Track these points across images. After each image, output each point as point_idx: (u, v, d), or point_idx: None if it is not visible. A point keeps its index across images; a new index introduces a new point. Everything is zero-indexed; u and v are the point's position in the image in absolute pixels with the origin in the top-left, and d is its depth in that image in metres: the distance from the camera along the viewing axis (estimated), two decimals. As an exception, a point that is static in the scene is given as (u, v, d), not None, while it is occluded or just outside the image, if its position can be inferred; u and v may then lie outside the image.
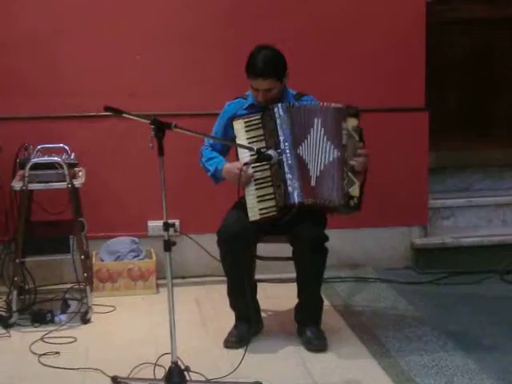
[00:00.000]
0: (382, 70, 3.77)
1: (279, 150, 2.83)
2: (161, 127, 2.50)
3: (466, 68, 4.25)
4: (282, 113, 2.85)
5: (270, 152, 2.83)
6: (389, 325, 3.18)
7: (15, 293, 3.16)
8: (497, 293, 3.59)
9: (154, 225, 3.68)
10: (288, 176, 2.81)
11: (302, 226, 2.84)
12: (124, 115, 2.54)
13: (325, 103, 2.88)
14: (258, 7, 3.67)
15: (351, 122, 2.82)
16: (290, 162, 2.83)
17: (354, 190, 2.81)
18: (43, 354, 2.88)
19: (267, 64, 2.84)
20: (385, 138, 3.82)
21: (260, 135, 2.87)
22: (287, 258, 3.00)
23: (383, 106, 3.80)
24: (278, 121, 2.84)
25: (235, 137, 2.89)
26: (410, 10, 3.75)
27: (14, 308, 3.16)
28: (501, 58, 4.28)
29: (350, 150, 2.82)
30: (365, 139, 2.88)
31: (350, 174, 2.81)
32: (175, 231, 3.48)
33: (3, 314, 3.20)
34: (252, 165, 2.84)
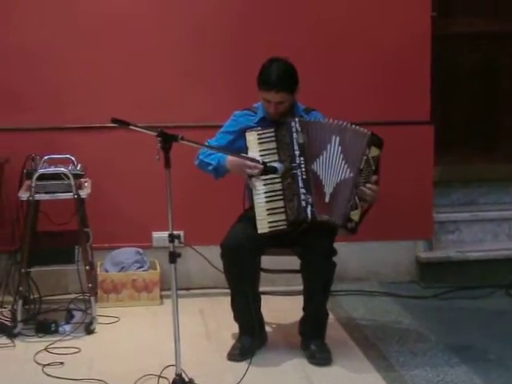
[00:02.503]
0: (386, 83, 3.78)
1: (294, 165, 2.83)
2: (167, 139, 2.51)
3: (470, 82, 4.26)
4: (298, 127, 2.85)
5: (276, 164, 2.83)
6: (393, 339, 3.17)
7: (20, 302, 3.17)
8: (502, 307, 3.58)
9: (159, 236, 3.68)
10: (302, 191, 2.81)
11: (312, 240, 2.84)
12: (131, 127, 2.56)
13: (344, 122, 2.88)
14: (264, 20, 3.69)
15: (373, 152, 2.84)
16: (304, 176, 2.82)
17: (355, 215, 2.82)
18: (47, 365, 2.88)
19: (280, 77, 2.85)
20: (390, 152, 3.77)
21: (273, 148, 2.87)
22: (292, 271, 3.00)
23: (388, 120, 3.80)
24: (295, 135, 2.84)
25: (246, 148, 2.89)
26: (415, 24, 3.76)
27: (19, 318, 3.16)
28: (505, 71, 4.29)
29: (363, 176, 2.83)
30: (380, 172, 2.88)
31: (356, 198, 2.81)
32: (180, 242, 3.48)
33: (8, 323, 3.21)
34: (262, 177, 2.84)
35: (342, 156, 2.84)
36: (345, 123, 2.88)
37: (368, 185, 2.82)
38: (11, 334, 3.14)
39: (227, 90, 3.64)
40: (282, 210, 2.84)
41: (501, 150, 4.32)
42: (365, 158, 2.82)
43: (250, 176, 2.85)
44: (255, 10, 3.69)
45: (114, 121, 2.53)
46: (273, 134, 2.88)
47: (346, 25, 3.74)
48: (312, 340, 2.95)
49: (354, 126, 2.87)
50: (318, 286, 2.90)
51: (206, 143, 3.00)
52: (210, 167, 2.96)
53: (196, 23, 3.68)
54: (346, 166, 2.83)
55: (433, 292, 3.74)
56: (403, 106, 3.82)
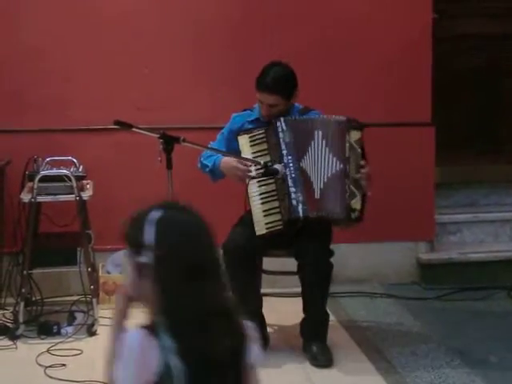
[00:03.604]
0: (388, 85, 3.78)
1: (283, 164, 2.84)
2: (169, 141, 2.52)
3: (471, 83, 4.26)
4: (284, 126, 2.86)
5: (277, 166, 2.84)
6: (395, 341, 3.17)
7: (22, 304, 3.16)
8: (504, 309, 3.57)
9: (161, 237, 3.68)
10: (292, 189, 2.82)
11: (308, 241, 2.84)
12: (133, 129, 2.57)
13: (326, 115, 2.89)
14: (265, 22, 3.69)
15: (354, 135, 2.83)
16: (293, 175, 2.83)
17: (356, 203, 2.82)
18: (49, 366, 2.88)
19: (276, 80, 2.86)
20: (391, 153, 3.83)
21: (264, 149, 2.89)
22: (293, 273, 3.00)
23: (389, 121, 3.80)
24: (281, 134, 2.85)
25: (239, 152, 2.90)
26: (416, 25, 3.77)
27: (21, 319, 3.16)
28: (507, 73, 4.29)
29: (352, 163, 2.83)
30: (366, 153, 2.88)
31: (351, 186, 2.81)
32: (181, 244, 3.48)
33: (10, 325, 3.21)
34: (258, 179, 2.85)
35: (327, 149, 2.84)
36: (326, 116, 2.88)
37: (362, 170, 2.81)
38: (13, 336, 3.14)
39: (229, 92, 3.65)
40: (277, 210, 2.85)
41: (502, 151, 4.32)
42: (347, 144, 2.81)
43: (252, 178, 2.86)
44: (257, 11, 3.69)
45: (117, 123, 2.54)
46: (263, 136, 2.89)
47: (347, 27, 3.74)
48: (313, 342, 2.95)
49: (333, 116, 2.87)
50: (315, 288, 2.91)
51: (209, 145, 3.01)
52: (207, 169, 2.98)
53: (197, 25, 3.68)
54: (334, 158, 2.83)
55: (434, 293, 3.73)
56: (404, 108, 3.82)
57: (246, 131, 2.91)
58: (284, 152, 2.84)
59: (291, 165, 2.84)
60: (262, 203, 2.86)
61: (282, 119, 2.86)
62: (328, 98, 3.56)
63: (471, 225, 4.06)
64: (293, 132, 2.86)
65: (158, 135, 2.53)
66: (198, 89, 3.70)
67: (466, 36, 4.17)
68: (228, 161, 2.88)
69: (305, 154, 2.85)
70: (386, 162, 3.80)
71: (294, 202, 2.81)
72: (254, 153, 2.87)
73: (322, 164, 2.84)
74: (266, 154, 2.88)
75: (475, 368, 2.88)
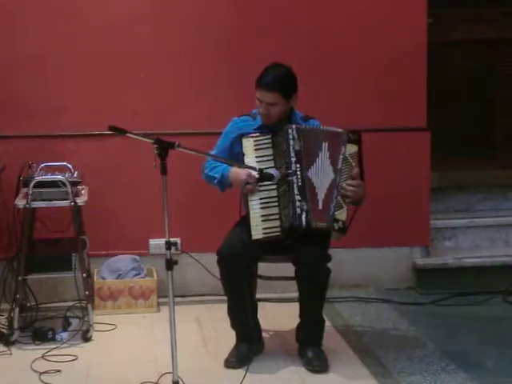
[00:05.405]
0: (383, 90, 3.79)
1: (290, 171, 2.84)
2: (164, 146, 2.51)
3: (467, 88, 4.27)
4: (295, 134, 2.86)
5: (272, 171, 2.84)
6: (390, 346, 3.17)
7: (17, 310, 3.16)
8: (499, 314, 3.58)
9: (156, 243, 3.68)
10: (297, 197, 2.82)
11: (305, 246, 2.84)
12: (128, 135, 2.56)
13: (328, 127, 2.90)
14: (260, 28, 3.71)
15: (350, 149, 2.85)
16: (299, 183, 2.83)
17: (341, 214, 2.83)
18: (44, 372, 2.87)
19: (276, 78, 2.86)
20: (386, 158, 3.84)
21: (269, 155, 2.88)
22: (288, 278, 3.00)
23: (384, 126, 3.81)
24: (291, 142, 2.85)
25: (243, 154, 2.89)
26: (411, 30, 3.78)
27: (16, 325, 3.16)
28: (502, 78, 4.31)
29: (344, 175, 2.84)
30: (364, 167, 2.89)
31: (339, 197, 2.82)
32: (176, 250, 3.48)
33: (4, 331, 3.20)
34: (257, 183, 2.84)
35: (329, 161, 2.85)
36: (332, 128, 2.89)
37: (348, 181, 2.83)
38: (8, 342, 3.13)
39: (224, 97, 3.65)
40: (277, 216, 2.85)
41: (497, 157, 4.34)
42: (341, 157, 2.83)
43: (247, 183, 2.85)
44: (252, 17, 3.70)
45: (112, 128, 2.54)
46: (269, 141, 2.89)
47: (342, 32, 3.75)
48: (309, 347, 2.95)
49: (334, 128, 2.89)
50: (312, 293, 2.90)
51: (206, 161, 3.00)
52: (215, 180, 2.97)
53: (193, 30, 3.69)
54: (331, 170, 2.85)
55: (430, 298, 3.74)
56: (400, 113, 3.83)
57: (252, 134, 2.91)
58: (293, 159, 2.83)
59: (298, 173, 2.83)
60: (262, 208, 2.86)
61: (293, 126, 2.86)
62: (323, 103, 3.57)
63: (466, 230, 4.07)
64: (303, 141, 2.85)
65: (153, 140, 2.53)
66: (194, 94, 3.71)
67: (461, 41, 4.19)
68: (238, 172, 2.87)
69: (312, 164, 2.85)
70: (381, 167, 3.81)
71: (298, 211, 2.80)
72: (258, 157, 2.87)
73: (324, 175, 2.85)
74: (270, 160, 2.87)
75: (471, 373, 2.88)
